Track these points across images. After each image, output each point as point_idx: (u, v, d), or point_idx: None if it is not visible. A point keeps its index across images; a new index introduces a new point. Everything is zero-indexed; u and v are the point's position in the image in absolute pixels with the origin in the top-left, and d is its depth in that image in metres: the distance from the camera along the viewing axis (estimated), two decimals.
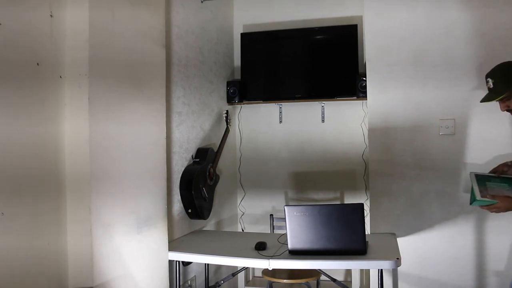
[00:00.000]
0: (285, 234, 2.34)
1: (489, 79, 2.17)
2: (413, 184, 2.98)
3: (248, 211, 3.85)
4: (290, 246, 2.29)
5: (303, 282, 2.73)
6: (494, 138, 2.84)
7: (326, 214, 2.27)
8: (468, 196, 2.53)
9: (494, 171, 2.42)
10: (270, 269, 2.30)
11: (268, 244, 2.47)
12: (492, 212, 2.27)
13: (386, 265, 2.19)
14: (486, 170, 2.86)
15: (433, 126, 2.94)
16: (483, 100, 2.21)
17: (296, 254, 2.29)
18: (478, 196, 2.29)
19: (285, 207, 2.29)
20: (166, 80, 2.45)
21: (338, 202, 3.62)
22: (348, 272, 3.55)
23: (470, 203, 2.37)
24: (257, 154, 3.84)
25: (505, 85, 2.09)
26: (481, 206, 2.30)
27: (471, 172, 2.45)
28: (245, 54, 3.72)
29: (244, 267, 3.23)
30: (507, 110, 2.18)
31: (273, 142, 3.82)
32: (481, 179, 2.39)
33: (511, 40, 2.79)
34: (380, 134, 3.06)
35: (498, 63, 2.86)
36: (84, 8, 1.83)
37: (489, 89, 2.19)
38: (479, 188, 2.32)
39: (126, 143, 2.07)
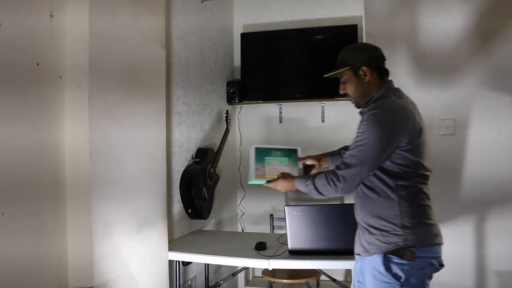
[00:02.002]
0: (285, 234, 2.34)
1: (339, 55, 1.96)
2: None
3: (248, 211, 3.85)
4: (290, 246, 2.29)
5: (303, 282, 2.73)
6: (494, 138, 2.84)
7: (326, 214, 2.27)
8: None
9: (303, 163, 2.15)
10: (270, 269, 2.30)
11: (268, 244, 2.47)
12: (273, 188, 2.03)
13: None
14: (486, 171, 2.87)
15: (433, 126, 2.93)
16: (325, 75, 2.00)
17: (296, 254, 2.29)
18: (252, 175, 2.07)
19: (285, 207, 2.29)
20: (166, 80, 2.45)
21: (338, 202, 3.62)
22: (348, 272, 3.55)
23: (249, 182, 2.13)
24: None
25: (344, 63, 1.90)
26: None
27: (252, 146, 2.17)
28: (245, 54, 3.72)
29: (244, 267, 3.23)
30: (345, 95, 1.96)
31: (273, 142, 3.82)
32: (261, 153, 2.13)
33: (511, 40, 2.79)
34: None
35: (497, 62, 2.87)
36: (84, 8, 1.83)
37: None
38: (256, 165, 2.09)
39: (126, 143, 2.07)
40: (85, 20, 1.83)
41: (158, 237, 2.33)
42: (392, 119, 1.73)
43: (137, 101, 2.16)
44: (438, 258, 1.80)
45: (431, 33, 2.94)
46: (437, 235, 1.80)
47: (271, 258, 2.28)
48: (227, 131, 3.35)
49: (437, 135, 2.93)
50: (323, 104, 3.66)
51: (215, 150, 3.18)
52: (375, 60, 1.89)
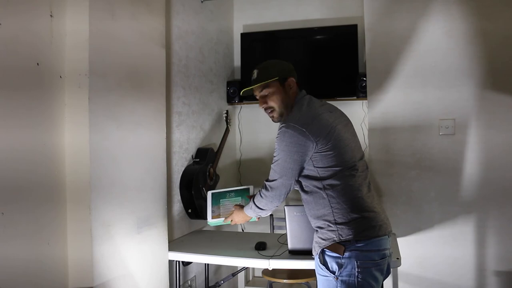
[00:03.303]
0: (285, 234, 2.34)
1: (255, 71, 1.99)
2: (413, 184, 2.98)
3: None
4: (290, 246, 2.29)
5: (303, 282, 2.73)
6: (494, 138, 2.84)
7: None
8: None
9: None
10: (270, 269, 2.30)
11: (268, 244, 2.47)
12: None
13: None
14: (486, 171, 2.87)
15: (433, 126, 2.94)
16: (244, 92, 2.04)
17: (296, 254, 2.29)
18: (209, 218, 2.32)
19: (285, 207, 2.29)
20: (166, 80, 2.45)
21: None
22: None
23: (208, 223, 2.37)
24: (257, 154, 3.84)
25: (273, 73, 1.96)
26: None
27: (208, 192, 2.42)
28: (245, 54, 3.72)
29: (244, 267, 3.23)
30: (267, 109, 2.03)
31: (273, 142, 3.81)
32: (216, 197, 2.37)
33: (511, 40, 2.79)
34: (380, 134, 3.06)
35: (497, 62, 2.87)
36: (84, 8, 1.83)
37: (252, 80, 1.99)
38: (212, 208, 2.34)
39: (126, 143, 2.07)
40: (85, 20, 1.83)
41: (158, 237, 2.33)
42: (295, 132, 1.82)
43: (137, 101, 2.16)
44: (380, 251, 1.78)
45: (431, 33, 2.94)
46: (374, 227, 1.78)
47: (271, 258, 2.28)
48: (227, 131, 3.36)
49: (437, 135, 2.93)
50: None
51: (215, 150, 3.18)
52: (294, 72, 2.01)
